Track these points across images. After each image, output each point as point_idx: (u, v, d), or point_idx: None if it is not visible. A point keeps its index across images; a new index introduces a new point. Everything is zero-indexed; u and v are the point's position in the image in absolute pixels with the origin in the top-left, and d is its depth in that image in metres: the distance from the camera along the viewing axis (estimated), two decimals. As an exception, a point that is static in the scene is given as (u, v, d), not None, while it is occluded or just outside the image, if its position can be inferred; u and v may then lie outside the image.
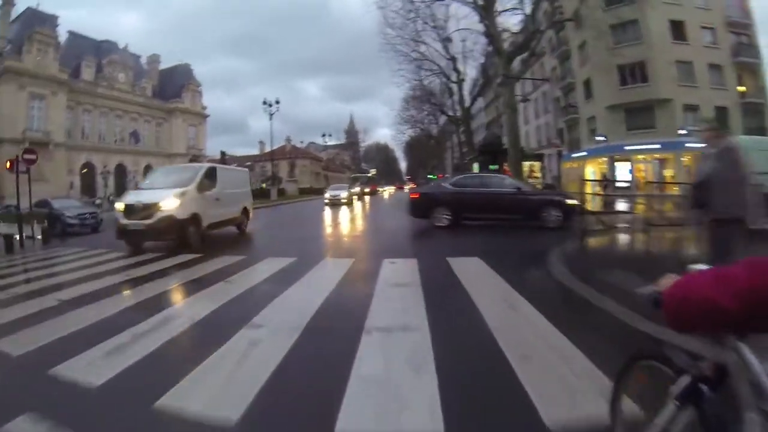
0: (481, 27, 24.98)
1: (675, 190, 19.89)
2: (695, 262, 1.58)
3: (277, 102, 43.80)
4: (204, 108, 75.02)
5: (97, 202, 40.79)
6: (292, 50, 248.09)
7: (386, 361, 3.59)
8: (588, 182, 12.14)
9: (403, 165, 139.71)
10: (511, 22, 28.71)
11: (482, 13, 21.84)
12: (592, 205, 11.96)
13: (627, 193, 11.23)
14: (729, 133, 5.21)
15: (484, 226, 14.02)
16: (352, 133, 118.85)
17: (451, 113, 46.85)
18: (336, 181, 58.63)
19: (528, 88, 45.97)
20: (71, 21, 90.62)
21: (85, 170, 56.68)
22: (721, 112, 36.31)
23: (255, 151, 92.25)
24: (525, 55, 24.29)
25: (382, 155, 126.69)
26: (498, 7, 22.83)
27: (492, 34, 21.71)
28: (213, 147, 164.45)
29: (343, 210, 27.60)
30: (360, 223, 19.35)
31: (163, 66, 72.96)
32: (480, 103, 64.66)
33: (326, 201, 34.12)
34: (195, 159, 65.80)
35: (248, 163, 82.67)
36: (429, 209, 14.63)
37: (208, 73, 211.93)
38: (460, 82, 38.55)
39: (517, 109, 22.75)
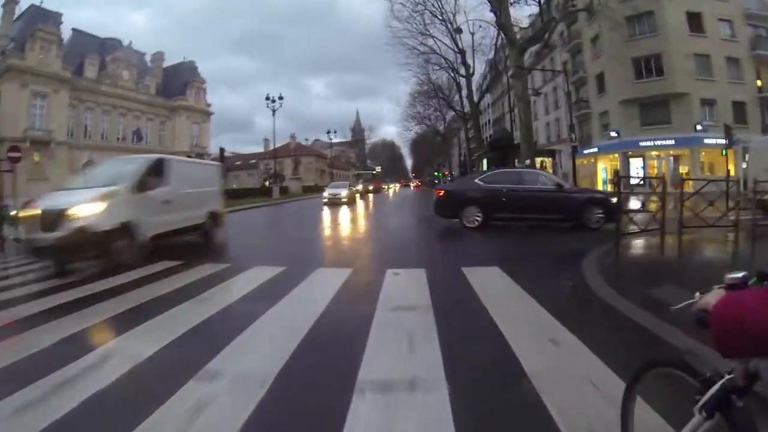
0: (491, 18, 24.07)
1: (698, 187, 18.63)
2: (733, 269, 1.33)
3: (281, 98, 42.90)
4: (208, 105, 73.98)
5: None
6: (298, 48, 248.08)
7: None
8: (624, 179, 11.03)
9: (408, 162, 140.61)
10: (521, 14, 27.65)
11: (494, 2, 20.77)
12: (627, 204, 10.84)
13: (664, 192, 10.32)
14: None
15: (500, 227, 13.02)
16: (358, 130, 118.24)
17: (458, 108, 45.72)
18: (341, 179, 57.63)
19: (538, 83, 44.89)
20: (77, 20, 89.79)
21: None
22: (739, 107, 35.43)
23: (261, 149, 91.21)
24: (538, 46, 23.22)
25: (387, 152, 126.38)
26: (511, -5, 21.78)
27: (504, 24, 20.62)
28: (219, 145, 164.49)
29: (344, 210, 26.00)
30: (362, 224, 18.11)
31: (167, 63, 72.18)
32: (487, 99, 63.62)
33: (325, 200, 31.78)
34: (199, 157, 65.32)
35: (253, 161, 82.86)
36: (457, 208, 13.53)
37: (214, 72, 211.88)
38: (469, 76, 37.45)
39: (530, 102, 21.64)
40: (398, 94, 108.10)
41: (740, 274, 1.32)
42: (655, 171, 36.77)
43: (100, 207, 8.38)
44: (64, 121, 52.32)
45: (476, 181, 14.04)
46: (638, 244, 9.77)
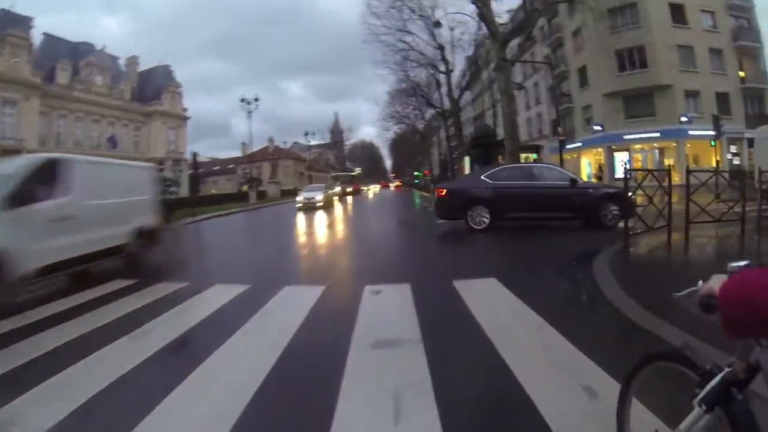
0: (472, 11, 23.30)
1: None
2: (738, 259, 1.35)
3: (256, 99, 41.96)
4: (185, 110, 72.38)
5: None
6: (274, 50, 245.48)
7: None
8: (638, 173, 10.24)
9: (388, 163, 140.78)
10: (500, 8, 26.85)
11: (475, -7, 19.99)
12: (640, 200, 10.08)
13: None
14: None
15: (497, 227, 12.21)
16: (336, 132, 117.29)
17: (438, 106, 44.94)
18: (320, 181, 56.60)
19: (518, 79, 44.27)
20: (49, 26, 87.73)
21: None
22: (723, 98, 35.23)
23: (239, 154, 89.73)
24: (519, 39, 22.48)
25: (367, 153, 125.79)
26: (492, -13, 20.96)
27: (486, 15, 19.84)
28: (197, 150, 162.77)
29: (321, 215, 24.22)
30: (339, 230, 16.72)
31: (142, 68, 70.47)
32: (467, 96, 62.97)
33: (299, 205, 29.74)
34: (176, 163, 63.96)
35: (231, 166, 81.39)
36: (462, 208, 12.42)
37: (191, 76, 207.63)
38: (448, 72, 36.70)
39: (514, 96, 20.89)
40: (376, 93, 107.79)
41: (743, 263, 1.33)
42: (640, 164, 36.50)
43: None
44: (35, 128, 50.70)
45: (482, 177, 12.80)
46: (648, 243, 8.93)
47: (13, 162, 7.91)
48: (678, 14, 35.41)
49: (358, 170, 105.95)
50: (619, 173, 32.43)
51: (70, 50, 58.66)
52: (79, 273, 7.73)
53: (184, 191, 60.02)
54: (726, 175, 10.18)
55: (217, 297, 6.21)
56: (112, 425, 2.82)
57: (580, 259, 7.46)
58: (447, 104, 42.13)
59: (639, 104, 35.69)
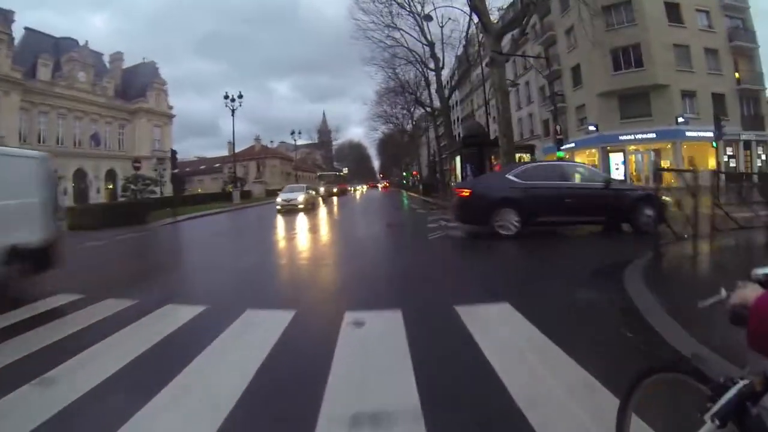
0: (463, 3, 22.34)
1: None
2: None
3: (240, 96, 40.64)
4: (170, 108, 70.99)
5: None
6: (262, 50, 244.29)
7: None
8: (666, 173, 9.29)
9: (376, 164, 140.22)
10: (492, 5, 25.69)
11: (468, -15, 19.02)
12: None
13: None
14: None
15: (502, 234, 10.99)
16: (324, 132, 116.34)
17: (427, 104, 43.92)
18: (306, 181, 55.31)
19: (510, 77, 43.40)
20: (33, 22, 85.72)
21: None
22: (719, 99, 34.58)
23: (226, 153, 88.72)
24: (514, 33, 21.51)
25: (355, 153, 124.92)
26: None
27: (478, 7, 18.80)
28: (185, 149, 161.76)
29: (301, 218, 22.31)
30: (320, 236, 15.04)
31: (127, 65, 69.00)
32: (455, 96, 62.13)
33: (278, 207, 27.39)
34: (159, 162, 62.57)
35: (217, 165, 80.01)
36: (488, 212, 11.01)
37: (179, 76, 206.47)
38: (438, 69, 35.62)
39: (508, 92, 19.86)
40: (364, 93, 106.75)
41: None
42: (634, 166, 35.83)
43: None
44: (15, 125, 49.10)
45: (508, 177, 11.46)
46: (686, 252, 7.67)
47: None
48: (673, 13, 34.70)
49: (345, 170, 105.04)
50: (616, 175, 31.89)
51: (52, 45, 57.13)
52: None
53: (169, 191, 59.08)
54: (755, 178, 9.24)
55: (161, 324, 5.10)
56: None
57: (611, 274, 6.27)
58: (436, 103, 41.15)
59: (634, 104, 34.82)
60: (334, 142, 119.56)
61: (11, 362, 4.06)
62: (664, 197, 8.55)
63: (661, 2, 34.32)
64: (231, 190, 46.52)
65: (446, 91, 37.62)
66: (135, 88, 66.25)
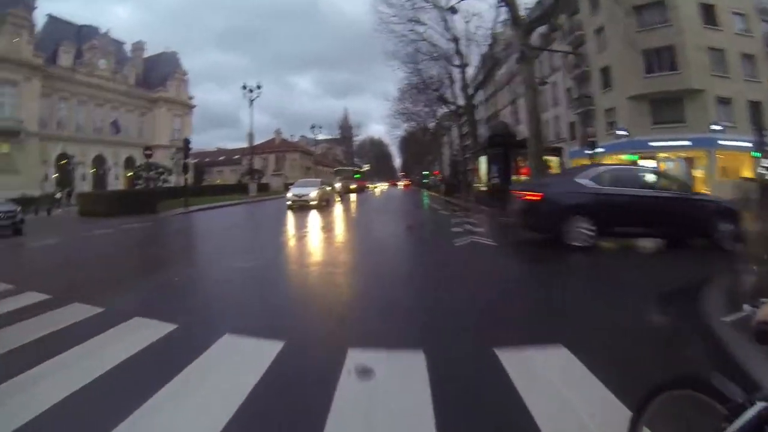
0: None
1: None
2: None
3: (259, 87, 39.89)
4: (190, 98, 71.12)
5: (57, 195, 36.95)
6: (283, 44, 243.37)
7: None
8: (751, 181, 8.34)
9: (397, 162, 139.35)
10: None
11: (498, -24, 18.04)
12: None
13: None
14: None
15: (544, 245, 9.90)
16: (345, 127, 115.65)
17: (451, 101, 42.83)
18: (325, 176, 54.48)
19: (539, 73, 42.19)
20: (56, 11, 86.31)
21: (64, 161, 52.74)
22: (755, 107, 32.82)
23: (245, 145, 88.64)
24: (546, 28, 20.48)
25: (375, 150, 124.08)
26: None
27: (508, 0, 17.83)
28: (206, 141, 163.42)
29: (313, 216, 20.22)
30: (329, 240, 12.90)
31: (148, 54, 69.10)
32: (479, 97, 60.92)
33: (289, 203, 25.11)
34: (178, 150, 62.34)
35: (236, 157, 79.62)
36: (560, 219, 9.60)
37: (201, 68, 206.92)
38: (463, 66, 34.48)
39: (538, 89, 18.83)
40: (385, 90, 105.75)
41: None
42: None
43: None
44: (35, 110, 49.38)
45: (578, 180, 10.14)
46: None
47: None
48: (709, 14, 33.11)
49: (366, 167, 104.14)
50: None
51: (74, 33, 57.76)
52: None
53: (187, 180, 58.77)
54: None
55: (117, 346, 4.13)
56: None
57: (695, 304, 5.02)
58: (460, 101, 40.06)
59: (667, 109, 33.21)
60: (355, 139, 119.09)
61: None
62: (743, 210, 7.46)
63: (695, 3, 32.81)
64: (246, 182, 45.95)
65: (470, 90, 36.49)
66: (156, 77, 66.55)
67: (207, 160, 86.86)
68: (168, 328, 4.60)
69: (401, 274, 8.14)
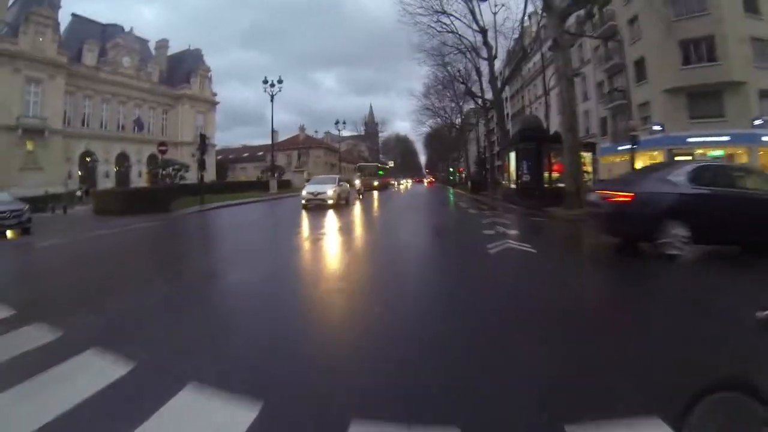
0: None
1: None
2: None
3: (280, 82, 39.25)
4: (214, 95, 71.05)
5: (78, 193, 36.88)
6: (309, 43, 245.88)
7: None
8: None
9: (422, 158, 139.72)
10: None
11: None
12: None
13: None
14: None
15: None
16: (371, 124, 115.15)
17: (478, 95, 41.76)
18: (350, 174, 53.52)
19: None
20: (82, 12, 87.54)
21: (88, 159, 53.04)
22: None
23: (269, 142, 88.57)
24: (581, 15, 19.29)
25: (401, 147, 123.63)
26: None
27: (541, -16, 16.78)
28: (231, 138, 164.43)
29: (330, 216, 18.19)
30: (342, 247, 11.02)
31: (172, 51, 69.32)
32: (505, 92, 59.71)
33: (303, 202, 22.80)
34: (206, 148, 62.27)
35: (260, 153, 79.45)
36: (656, 224, 8.15)
37: (227, 66, 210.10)
38: (491, 58, 33.34)
39: (573, 81, 17.62)
40: (410, 87, 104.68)
41: None
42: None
43: None
44: (60, 108, 49.77)
45: (670, 179, 8.65)
46: None
47: None
48: (750, 2, 30.98)
49: (390, 163, 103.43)
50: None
51: (98, 32, 58.23)
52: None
53: (210, 177, 58.72)
54: None
55: (55, 392, 3.22)
56: None
57: None
58: (488, 95, 39.11)
59: (705, 103, 31.34)
60: (381, 133, 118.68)
61: None
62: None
63: (736, -11, 30.78)
64: (267, 179, 45.38)
65: (499, 82, 35.39)
66: (179, 74, 66.77)
67: (231, 156, 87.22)
68: (120, 371, 3.59)
69: (425, 299, 6.20)
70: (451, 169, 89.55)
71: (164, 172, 32.43)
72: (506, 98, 65.41)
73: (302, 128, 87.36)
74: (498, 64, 38.51)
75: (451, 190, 53.55)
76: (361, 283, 7.24)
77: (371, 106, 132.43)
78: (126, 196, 23.64)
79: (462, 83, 42.61)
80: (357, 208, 23.43)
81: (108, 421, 2.86)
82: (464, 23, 33.01)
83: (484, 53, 33.53)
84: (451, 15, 32.71)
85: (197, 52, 70.18)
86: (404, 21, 34.20)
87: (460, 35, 34.48)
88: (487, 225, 13.99)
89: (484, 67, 36.65)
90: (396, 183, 77.81)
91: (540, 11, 29.52)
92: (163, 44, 68.21)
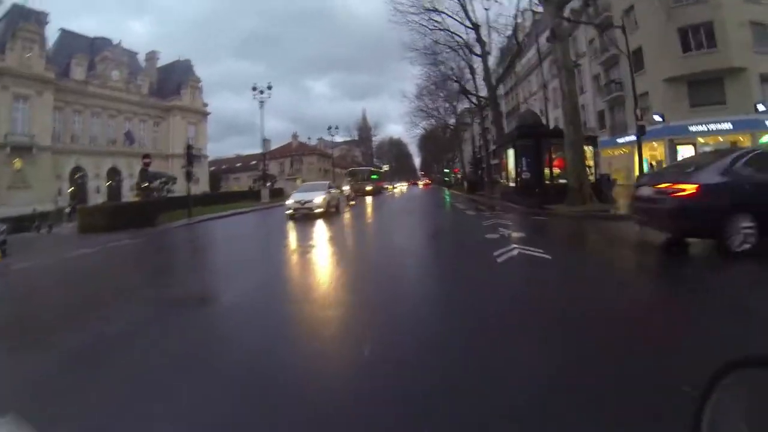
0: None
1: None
2: None
3: (269, 88, 38.52)
4: (205, 105, 70.40)
5: (67, 210, 36.06)
6: (300, 50, 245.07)
7: None
8: None
9: (417, 161, 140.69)
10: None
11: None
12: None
13: None
14: None
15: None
16: (364, 129, 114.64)
17: (473, 92, 41.04)
18: (341, 179, 52.60)
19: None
20: (75, 28, 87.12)
21: (77, 175, 52.22)
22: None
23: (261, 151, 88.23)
24: (579, 3, 18.46)
25: (395, 150, 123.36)
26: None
27: (536, -28, 16.00)
28: (225, 148, 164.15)
29: (319, 226, 16.95)
30: (329, 261, 9.79)
31: (162, 63, 68.70)
32: (499, 90, 59.00)
33: (289, 212, 21.02)
34: (195, 159, 61.47)
35: (253, 162, 78.73)
36: (722, 218, 7.28)
37: (218, 77, 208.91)
38: (485, 54, 32.63)
39: (574, 72, 16.81)
40: (403, 89, 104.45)
41: None
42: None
43: None
44: (48, 124, 49.17)
45: (735, 167, 7.67)
46: None
47: None
48: (748, -14, 30.29)
49: (385, 167, 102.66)
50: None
51: (87, 45, 57.72)
52: None
53: (203, 188, 57.95)
54: None
55: None
56: None
57: None
58: (482, 92, 38.37)
59: (706, 90, 30.51)
60: (374, 137, 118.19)
61: None
62: None
63: (734, -27, 29.93)
64: (257, 188, 44.61)
65: (493, 79, 34.64)
66: (170, 86, 66.25)
67: (225, 167, 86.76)
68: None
69: (422, 335, 4.58)
70: (446, 170, 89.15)
71: (151, 186, 31.54)
72: (500, 96, 64.77)
73: (295, 135, 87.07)
74: (492, 60, 37.88)
75: (447, 191, 52.71)
76: (341, 312, 5.77)
77: (364, 111, 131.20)
78: (112, 211, 22.66)
79: (455, 81, 41.89)
80: (348, 216, 22.16)
81: None
82: (456, 20, 32.37)
83: (478, 50, 32.89)
84: (443, 12, 32.09)
85: (187, 63, 69.54)
86: (395, 20, 33.44)
87: (452, 32, 33.80)
88: (488, 227, 12.76)
89: (477, 64, 36.07)
90: (391, 186, 76.42)
91: (533, 7, 28.88)
92: (152, 56, 67.54)
